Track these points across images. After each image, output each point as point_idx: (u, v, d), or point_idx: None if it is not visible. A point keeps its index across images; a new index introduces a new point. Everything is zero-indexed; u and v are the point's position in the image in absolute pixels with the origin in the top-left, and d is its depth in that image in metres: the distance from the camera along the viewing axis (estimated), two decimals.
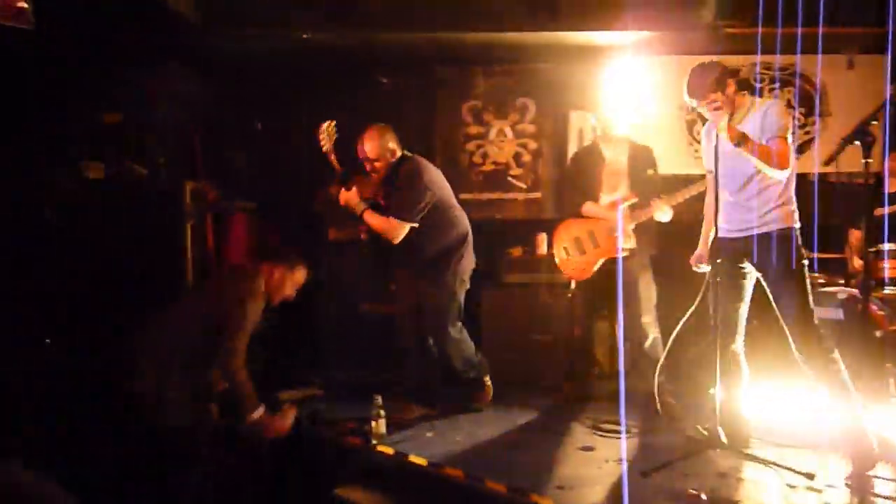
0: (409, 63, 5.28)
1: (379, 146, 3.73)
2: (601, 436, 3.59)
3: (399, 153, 3.80)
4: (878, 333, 3.72)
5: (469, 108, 5.36)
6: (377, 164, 3.76)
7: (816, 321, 2.94)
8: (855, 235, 4.35)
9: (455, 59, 5.26)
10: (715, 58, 4.26)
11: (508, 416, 3.97)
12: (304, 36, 4.61)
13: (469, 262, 3.87)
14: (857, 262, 4.26)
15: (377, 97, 5.25)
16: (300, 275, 3.42)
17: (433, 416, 3.86)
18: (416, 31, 4.74)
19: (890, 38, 4.18)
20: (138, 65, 4.57)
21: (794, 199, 3.01)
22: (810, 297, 2.94)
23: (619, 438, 3.43)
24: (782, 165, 2.78)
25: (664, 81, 5.04)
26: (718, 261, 3.08)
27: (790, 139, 2.83)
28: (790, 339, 2.96)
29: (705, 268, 3.26)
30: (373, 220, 3.70)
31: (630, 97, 3.00)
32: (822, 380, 2.92)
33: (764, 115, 2.91)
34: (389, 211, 3.69)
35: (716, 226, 3.03)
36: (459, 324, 3.87)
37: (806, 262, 2.95)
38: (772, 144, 2.78)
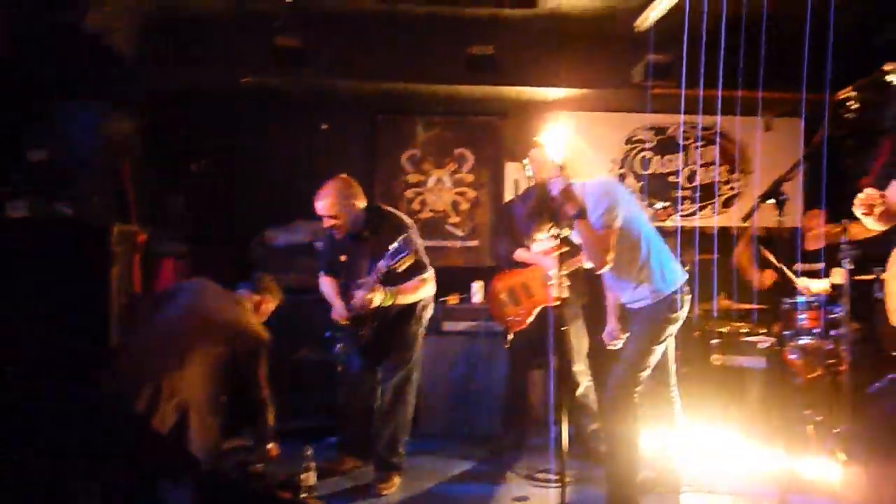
0: (351, 110, 5.33)
1: (335, 202, 3.54)
2: (536, 485, 3.59)
3: (362, 205, 3.64)
4: (796, 381, 3.88)
5: (408, 157, 5.43)
6: (336, 222, 3.57)
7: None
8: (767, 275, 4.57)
9: (396, 108, 5.35)
10: (644, 115, 4.51)
11: (444, 467, 3.93)
12: (244, 80, 4.61)
13: (431, 309, 3.82)
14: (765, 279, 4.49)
15: (317, 142, 5.27)
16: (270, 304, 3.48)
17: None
18: (359, 79, 4.80)
19: (803, 103, 4.49)
20: (68, 100, 4.45)
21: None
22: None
23: (554, 488, 3.43)
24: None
25: (596, 136, 5.26)
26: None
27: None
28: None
29: (619, 344, 3.36)
30: (408, 291, 3.52)
31: (563, 150, 3.08)
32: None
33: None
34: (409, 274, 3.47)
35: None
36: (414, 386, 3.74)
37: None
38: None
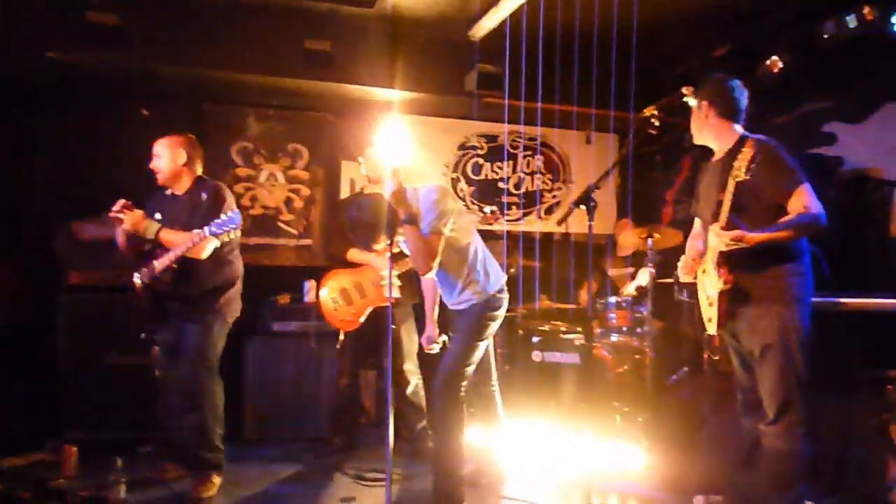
0: (176, 97, 5.00)
1: (166, 143, 3.53)
2: (364, 485, 3.59)
3: (198, 172, 3.59)
4: (607, 375, 4.21)
5: (239, 149, 5.19)
6: (157, 162, 3.52)
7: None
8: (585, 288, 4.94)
9: (226, 97, 5.10)
10: (477, 122, 4.65)
11: (270, 470, 3.82)
12: (50, 54, 4.15)
13: (237, 306, 3.63)
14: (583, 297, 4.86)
15: (137, 129, 4.87)
16: None
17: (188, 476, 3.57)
18: (183, 65, 4.52)
19: (612, 120, 4.91)
20: None
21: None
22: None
23: (382, 486, 3.45)
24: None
25: (430, 140, 5.38)
26: None
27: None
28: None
29: (437, 348, 3.50)
30: (170, 235, 3.33)
31: (396, 151, 3.12)
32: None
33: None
34: (192, 226, 3.28)
35: None
36: (218, 378, 3.54)
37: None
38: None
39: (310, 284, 4.75)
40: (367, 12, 4.43)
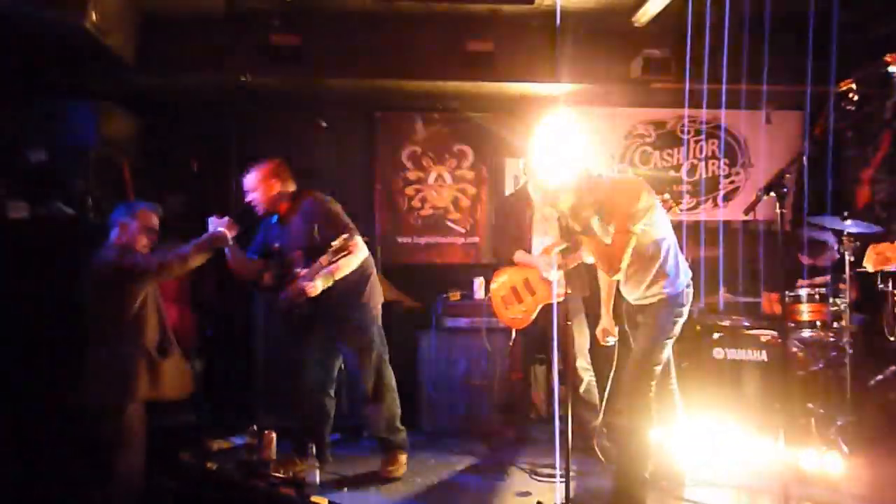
0: (350, 107, 5.32)
1: (254, 179, 3.60)
2: (539, 480, 3.59)
3: (290, 189, 3.65)
4: (800, 373, 3.87)
5: (408, 154, 5.42)
6: (254, 196, 3.62)
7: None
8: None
9: (395, 105, 5.34)
10: (644, 110, 4.46)
11: (447, 462, 3.93)
12: (242, 78, 4.60)
13: (379, 295, 3.75)
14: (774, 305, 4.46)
15: (317, 140, 5.25)
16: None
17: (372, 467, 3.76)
18: (358, 77, 4.80)
19: (808, 96, 4.48)
20: (67, 100, 4.45)
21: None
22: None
23: (557, 482, 3.43)
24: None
25: (595, 131, 5.24)
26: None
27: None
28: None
29: (612, 340, 3.36)
30: (339, 269, 3.46)
31: (561, 145, 3.07)
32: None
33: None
34: (329, 238, 3.40)
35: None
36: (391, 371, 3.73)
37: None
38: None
39: (479, 281, 4.84)
40: (525, 8, 4.43)
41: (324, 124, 5.23)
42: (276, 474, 3.46)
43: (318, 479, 3.34)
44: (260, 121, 5.21)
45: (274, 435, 3.69)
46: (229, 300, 4.79)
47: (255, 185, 3.60)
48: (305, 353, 3.68)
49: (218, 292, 4.73)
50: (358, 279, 3.62)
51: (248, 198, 3.64)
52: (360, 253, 3.55)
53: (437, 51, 4.70)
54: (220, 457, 3.89)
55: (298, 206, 3.62)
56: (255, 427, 3.65)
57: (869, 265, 2.62)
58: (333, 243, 3.34)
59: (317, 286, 3.41)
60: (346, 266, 3.49)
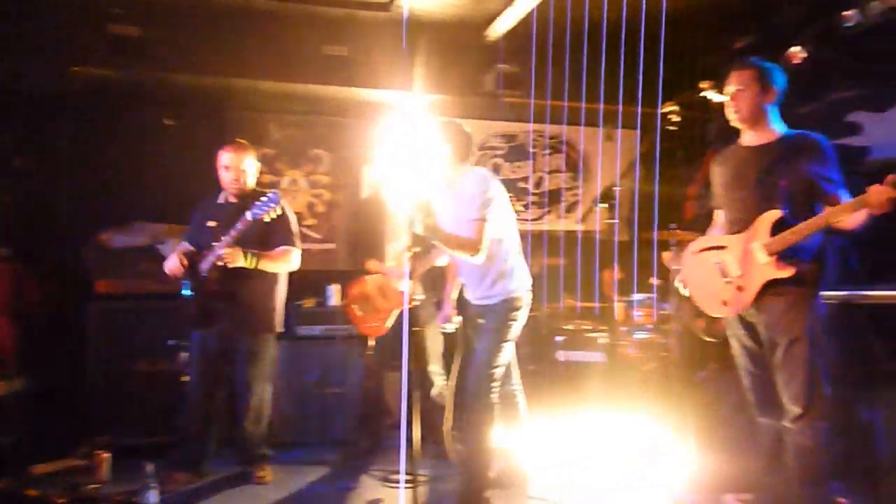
0: (199, 106, 5.07)
1: (249, 158, 3.71)
2: (391, 487, 3.60)
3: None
4: (636, 372, 4.16)
5: (261, 157, 5.24)
6: (236, 175, 3.65)
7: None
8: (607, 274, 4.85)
9: (247, 106, 5.16)
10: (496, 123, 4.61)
11: (298, 473, 3.84)
12: (76, 69, 4.25)
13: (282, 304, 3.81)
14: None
15: (163, 140, 4.95)
16: None
17: (218, 481, 3.64)
18: (207, 75, 4.59)
19: (639, 116, 4.84)
20: None
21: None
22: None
23: (409, 488, 3.45)
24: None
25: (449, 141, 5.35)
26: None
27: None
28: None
29: (451, 327, 3.52)
30: (273, 258, 3.59)
31: (415, 153, 3.13)
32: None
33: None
34: (273, 244, 3.59)
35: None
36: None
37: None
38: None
39: (334, 288, 4.78)
40: (384, 16, 4.46)
41: (169, 122, 4.95)
42: (115, 498, 3.22)
43: (156, 499, 3.13)
44: (96, 115, 4.82)
45: (107, 455, 3.43)
46: (57, 309, 4.39)
47: (251, 164, 3.71)
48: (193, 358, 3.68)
49: (42, 301, 4.33)
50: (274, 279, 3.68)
51: (232, 176, 3.64)
52: (294, 262, 3.67)
53: (292, 52, 4.61)
54: (44, 482, 3.55)
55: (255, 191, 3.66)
56: (86, 448, 3.38)
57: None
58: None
59: (236, 255, 3.40)
60: (282, 262, 3.61)
